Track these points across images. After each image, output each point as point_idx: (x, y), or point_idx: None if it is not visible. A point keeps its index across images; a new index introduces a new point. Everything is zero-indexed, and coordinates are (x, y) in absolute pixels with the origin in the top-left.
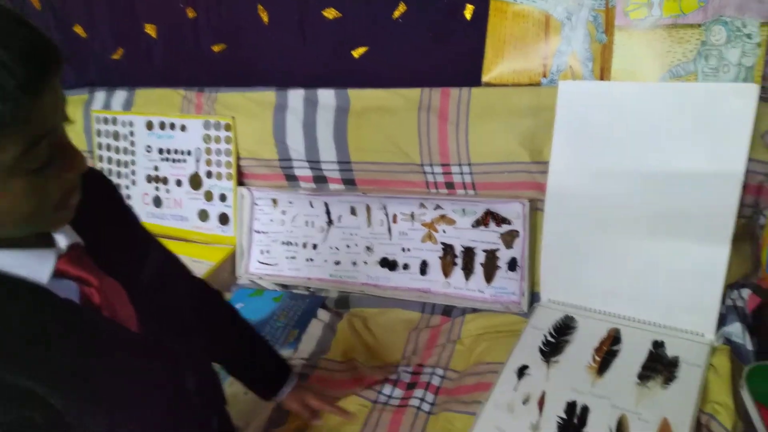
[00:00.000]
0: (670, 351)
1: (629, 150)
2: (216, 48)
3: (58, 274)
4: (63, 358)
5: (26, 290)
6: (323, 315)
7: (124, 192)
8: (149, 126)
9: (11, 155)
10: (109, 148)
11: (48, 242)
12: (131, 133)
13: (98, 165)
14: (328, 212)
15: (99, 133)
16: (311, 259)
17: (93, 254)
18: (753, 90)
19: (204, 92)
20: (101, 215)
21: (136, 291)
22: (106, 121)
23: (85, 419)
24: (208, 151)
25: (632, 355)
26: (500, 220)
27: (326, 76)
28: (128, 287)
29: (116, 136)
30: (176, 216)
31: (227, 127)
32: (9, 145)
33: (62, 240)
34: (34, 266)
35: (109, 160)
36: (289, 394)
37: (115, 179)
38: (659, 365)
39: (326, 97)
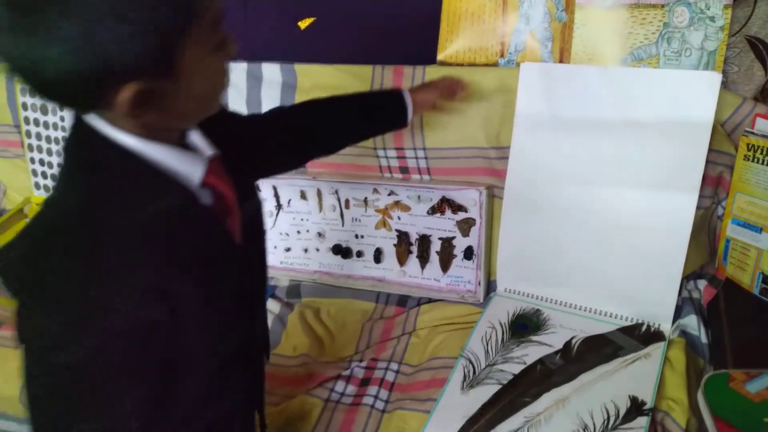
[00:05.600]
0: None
1: (589, 136)
2: None
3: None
4: (197, 261)
5: (179, 190)
6: (273, 306)
7: (56, 170)
8: None
9: (206, 33)
10: (37, 123)
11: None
12: (61, 107)
13: (26, 141)
14: (276, 196)
15: (25, 107)
16: None
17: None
18: (716, 79)
19: None
20: (225, 131)
21: (243, 215)
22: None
23: (192, 320)
24: None
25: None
26: (456, 208)
27: (271, 49)
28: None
29: (44, 110)
30: None
31: None
32: (204, 23)
33: (206, 149)
34: (187, 168)
35: (38, 136)
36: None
37: (45, 157)
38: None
39: (271, 72)
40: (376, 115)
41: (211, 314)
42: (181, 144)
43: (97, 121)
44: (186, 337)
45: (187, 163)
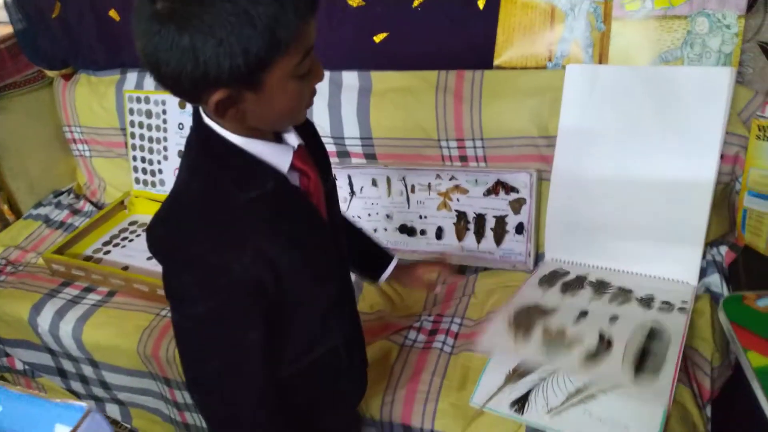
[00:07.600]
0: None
1: (623, 125)
2: None
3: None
4: (293, 230)
5: (273, 175)
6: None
7: (155, 167)
8: (182, 105)
9: (293, 63)
10: (141, 125)
11: (282, 142)
12: (164, 112)
13: (130, 141)
14: (350, 184)
15: (132, 112)
16: None
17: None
18: (729, 72)
19: None
20: (306, 128)
21: (325, 192)
22: (138, 100)
23: (295, 283)
24: None
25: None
26: (509, 189)
27: (350, 59)
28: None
29: (149, 114)
30: None
31: None
32: (292, 55)
33: (293, 140)
34: (278, 156)
35: (142, 137)
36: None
37: (147, 155)
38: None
39: (350, 78)
40: (365, 260)
41: (308, 273)
42: (277, 135)
43: (211, 123)
44: (290, 292)
45: (279, 154)
